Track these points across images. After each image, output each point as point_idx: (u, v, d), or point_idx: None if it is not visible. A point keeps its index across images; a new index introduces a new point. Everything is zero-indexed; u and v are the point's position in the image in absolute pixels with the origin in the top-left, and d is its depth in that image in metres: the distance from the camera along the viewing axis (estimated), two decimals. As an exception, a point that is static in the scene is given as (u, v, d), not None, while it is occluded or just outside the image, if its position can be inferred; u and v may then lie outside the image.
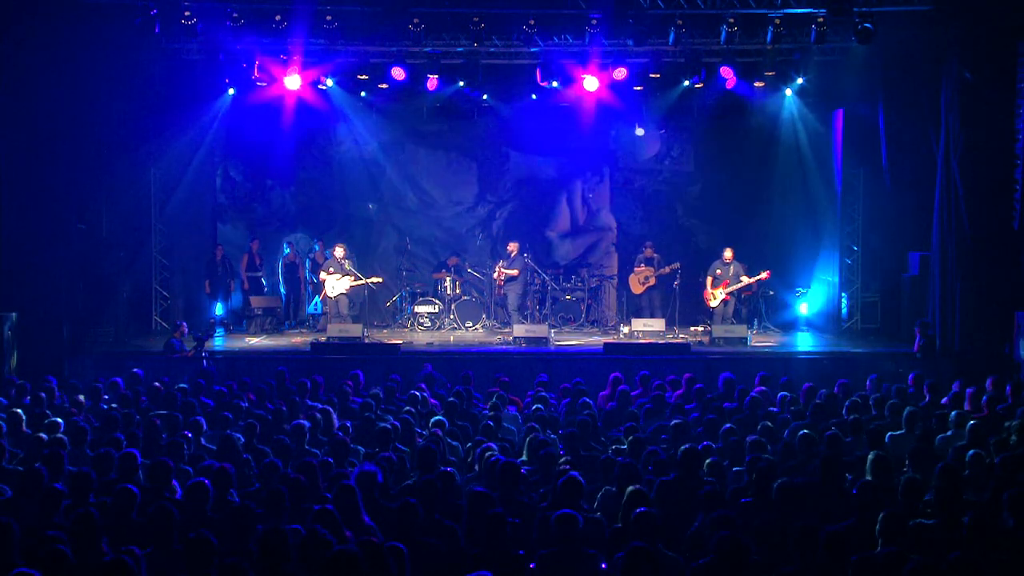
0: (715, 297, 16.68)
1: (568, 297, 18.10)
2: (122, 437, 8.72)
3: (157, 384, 11.75)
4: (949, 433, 9.34)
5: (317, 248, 18.49)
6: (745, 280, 16.68)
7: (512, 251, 17.52)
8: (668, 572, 5.93)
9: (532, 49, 15.81)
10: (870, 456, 7.79)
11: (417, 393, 11.03)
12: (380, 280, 17.34)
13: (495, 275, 17.54)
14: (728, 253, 16.79)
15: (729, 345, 15.47)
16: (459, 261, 18.13)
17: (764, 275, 16.63)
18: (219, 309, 17.78)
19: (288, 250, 18.52)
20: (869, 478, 7.40)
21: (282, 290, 18.45)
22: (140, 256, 17.67)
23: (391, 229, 19.18)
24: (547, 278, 17.93)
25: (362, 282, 17.04)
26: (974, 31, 13.84)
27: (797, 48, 15.99)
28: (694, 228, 18.76)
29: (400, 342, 15.69)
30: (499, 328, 17.41)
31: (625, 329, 16.93)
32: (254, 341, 16.64)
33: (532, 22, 14.88)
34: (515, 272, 17.35)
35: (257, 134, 18.66)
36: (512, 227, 18.85)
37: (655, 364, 13.46)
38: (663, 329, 16.49)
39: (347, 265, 17.01)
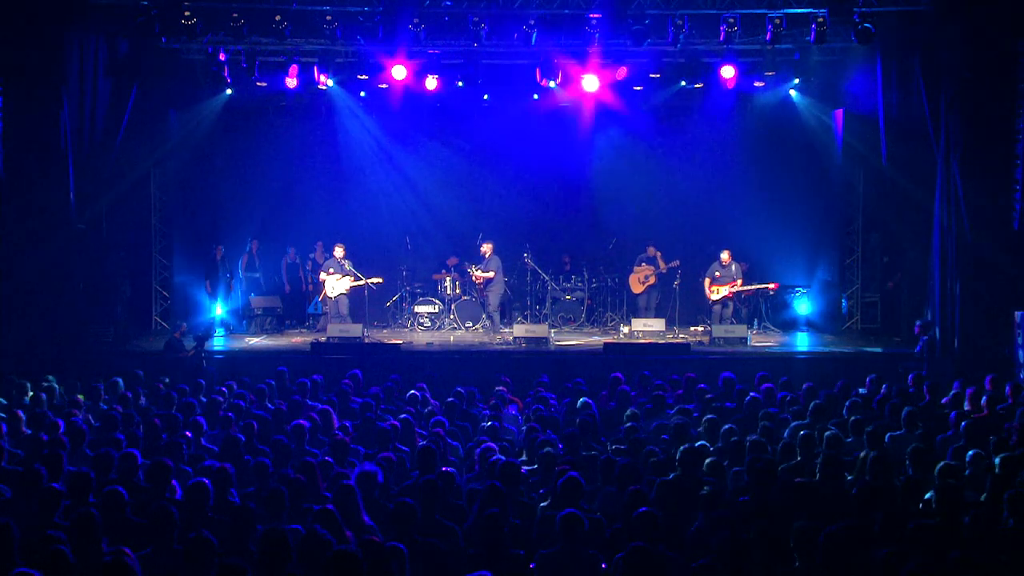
0: (717, 291, 16.65)
1: (568, 297, 18.08)
2: (122, 437, 8.71)
3: (157, 384, 11.75)
4: (949, 433, 9.34)
5: (317, 248, 18.48)
6: (747, 287, 16.72)
7: (486, 252, 17.10)
8: (668, 572, 5.92)
9: (532, 49, 15.81)
10: (870, 456, 7.79)
11: (417, 393, 11.03)
12: (380, 280, 17.32)
13: (473, 278, 17.24)
14: (725, 255, 16.77)
15: (729, 345, 15.47)
16: (459, 261, 18.10)
17: (772, 287, 16.67)
18: (219, 309, 17.78)
19: (289, 250, 18.51)
20: (869, 478, 7.40)
21: (285, 290, 18.43)
22: (140, 256, 17.68)
23: (391, 229, 19.15)
24: (547, 278, 17.90)
25: (362, 282, 17.03)
26: (974, 31, 13.83)
27: (797, 48, 16.01)
28: (694, 228, 18.72)
29: (400, 342, 15.70)
30: (498, 328, 17.39)
31: (625, 329, 16.93)
32: (254, 341, 16.65)
33: (532, 22, 14.89)
34: (491, 274, 16.94)
35: (256, 134, 18.68)
36: (513, 227, 18.79)
37: (655, 364, 13.46)
38: (663, 329, 16.50)
39: (347, 265, 17.00)
